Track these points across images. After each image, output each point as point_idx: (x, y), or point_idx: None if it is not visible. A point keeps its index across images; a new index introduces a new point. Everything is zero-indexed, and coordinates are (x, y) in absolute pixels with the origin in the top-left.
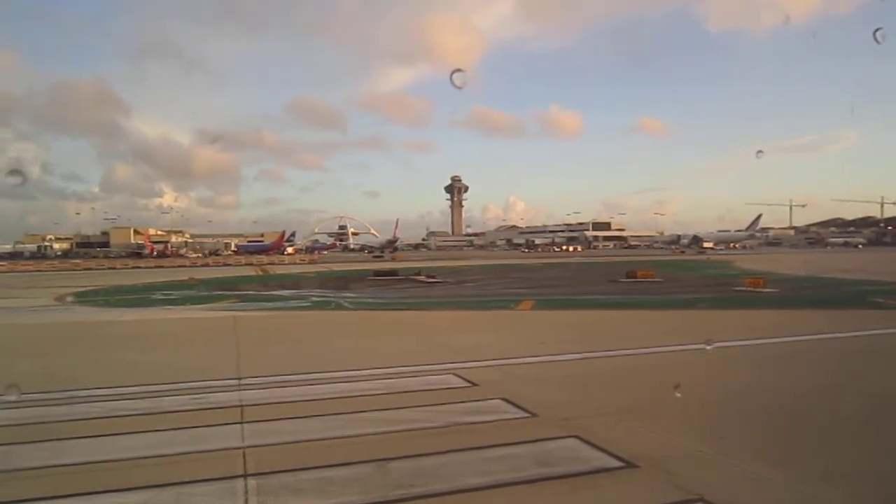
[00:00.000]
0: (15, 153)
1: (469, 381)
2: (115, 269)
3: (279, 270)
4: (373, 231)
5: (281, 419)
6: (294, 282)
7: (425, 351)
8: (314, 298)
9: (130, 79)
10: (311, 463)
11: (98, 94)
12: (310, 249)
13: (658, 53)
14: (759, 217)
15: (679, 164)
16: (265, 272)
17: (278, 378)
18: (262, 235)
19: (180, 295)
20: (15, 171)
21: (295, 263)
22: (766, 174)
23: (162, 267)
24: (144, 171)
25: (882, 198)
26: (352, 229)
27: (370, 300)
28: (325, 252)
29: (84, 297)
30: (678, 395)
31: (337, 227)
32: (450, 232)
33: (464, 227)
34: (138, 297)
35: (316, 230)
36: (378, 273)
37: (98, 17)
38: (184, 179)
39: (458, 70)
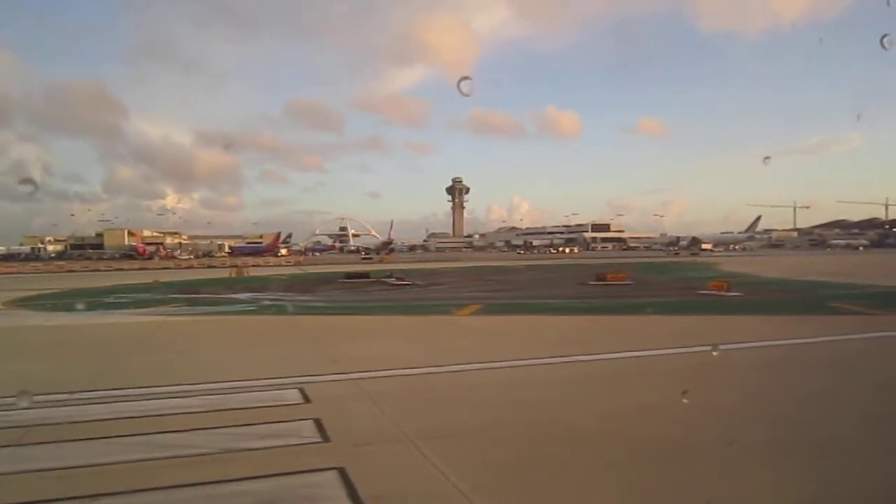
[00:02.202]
0: (17, 154)
1: (306, 398)
2: (98, 271)
3: (258, 272)
4: (374, 232)
5: (54, 442)
6: (261, 284)
7: (305, 361)
8: (264, 302)
9: (131, 81)
10: (28, 496)
11: (99, 95)
12: (310, 251)
13: (658, 54)
14: (758, 219)
15: (683, 165)
16: (240, 274)
17: (97, 394)
18: (260, 237)
19: (132, 299)
20: (27, 180)
21: (280, 265)
22: (771, 176)
23: (146, 269)
24: (146, 173)
25: (887, 199)
26: (353, 231)
27: (318, 304)
28: (318, 254)
29: (31, 301)
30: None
31: (338, 229)
32: (451, 233)
33: (465, 228)
34: (89, 300)
35: (317, 231)
36: (349, 276)
37: (98, 19)
38: (186, 181)
39: (466, 78)
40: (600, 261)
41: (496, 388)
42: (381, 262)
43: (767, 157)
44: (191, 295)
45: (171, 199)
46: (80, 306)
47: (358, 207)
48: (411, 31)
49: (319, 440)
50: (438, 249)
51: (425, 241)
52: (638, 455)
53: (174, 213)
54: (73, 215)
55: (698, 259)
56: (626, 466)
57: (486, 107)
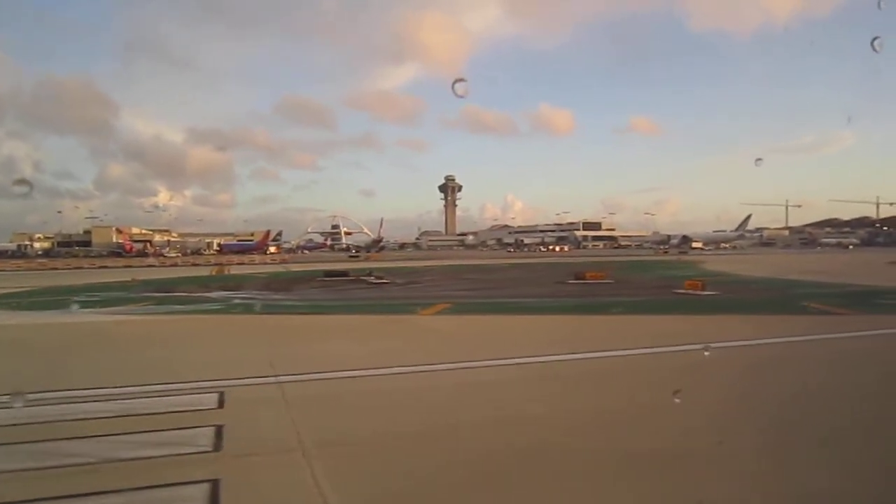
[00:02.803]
0: (7, 151)
1: (221, 403)
2: (81, 268)
3: (240, 270)
4: (366, 230)
5: None
6: (238, 283)
7: (241, 363)
8: (233, 301)
9: (123, 78)
10: None
11: (90, 92)
12: (301, 248)
13: (652, 53)
14: (748, 217)
15: (677, 164)
16: (221, 272)
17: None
18: (251, 234)
19: (102, 297)
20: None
21: (266, 263)
22: (764, 175)
23: (130, 266)
24: (138, 170)
25: (878, 198)
26: (345, 228)
27: (286, 303)
28: (307, 252)
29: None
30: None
31: (330, 227)
32: (444, 231)
33: (458, 226)
34: (59, 299)
35: (309, 229)
36: (328, 274)
37: (89, 16)
38: (178, 178)
39: (461, 80)
40: (588, 259)
41: (430, 392)
42: (367, 260)
43: (759, 159)
44: (164, 293)
45: (163, 197)
46: (42, 305)
47: (352, 205)
48: (405, 28)
49: (210, 450)
50: (430, 247)
51: (417, 239)
52: (527, 466)
53: (163, 210)
54: (59, 212)
55: (684, 258)
56: (536, 481)
57: (479, 105)
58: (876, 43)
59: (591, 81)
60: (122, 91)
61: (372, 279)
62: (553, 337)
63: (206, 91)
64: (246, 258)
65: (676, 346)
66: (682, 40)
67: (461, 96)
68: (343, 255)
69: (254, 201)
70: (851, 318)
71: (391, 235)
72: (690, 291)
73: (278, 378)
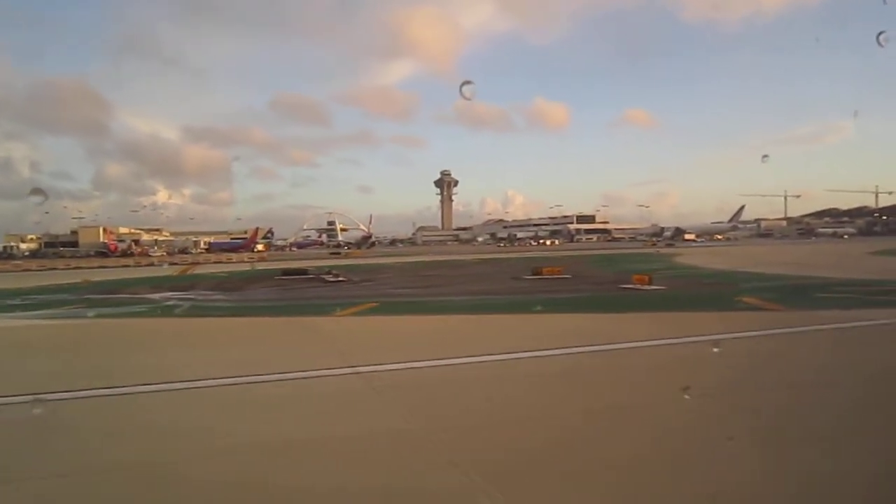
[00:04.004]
0: (3, 152)
1: None
2: (55, 269)
3: (209, 269)
4: (362, 227)
5: None
6: (192, 283)
7: (84, 373)
8: (169, 303)
9: (117, 77)
10: None
11: (86, 92)
12: (294, 245)
13: (646, 45)
14: (742, 208)
15: (677, 156)
16: (184, 273)
17: None
18: (245, 232)
19: (38, 300)
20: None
21: (243, 262)
22: (764, 165)
23: (105, 267)
24: (135, 170)
25: (876, 187)
26: (340, 225)
27: (221, 304)
28: (297, 249)
29: None
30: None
31: (326, 224)
32: (440, 226)
33: (457, 221)
34: None
35: (305, 226)
36: (286, 272)
37: (82, 15)
38: (176, 177)
39: (468, 82)
40: (574, 253)
41: (243, 407)
42: (346, 256)
43: (766, 155)
44: (106, 295)
45: (161, 196)
46: None
47: (351, 202)
48: (399, 24)
49: None
50: (425, 243)
51: (414, 234)
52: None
53: (155, 209)
54: (47, 213)
55: (665, 250)
56: None
57: (474, 99)
58: (881, 38)
59: (586, 75)
60: (117, 91)
61: (329, 278)
62: (434, 340)
63: (202, 89)
64: (224, 256)
65: (552, 349)
66: (677, 32)
67: (468, 98)
68: (335, 251)
69: (253, 199)
70: (777, 314)
71: (390, 231)
72: (635, 286)
73: (94, 392)
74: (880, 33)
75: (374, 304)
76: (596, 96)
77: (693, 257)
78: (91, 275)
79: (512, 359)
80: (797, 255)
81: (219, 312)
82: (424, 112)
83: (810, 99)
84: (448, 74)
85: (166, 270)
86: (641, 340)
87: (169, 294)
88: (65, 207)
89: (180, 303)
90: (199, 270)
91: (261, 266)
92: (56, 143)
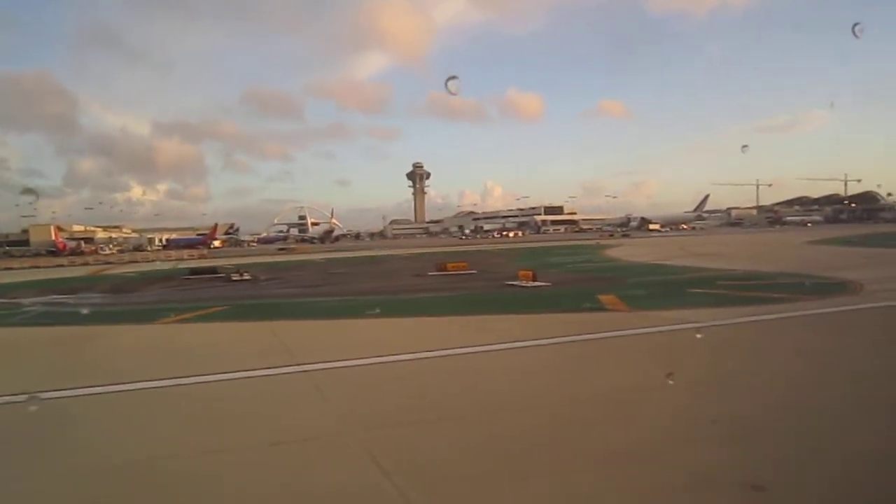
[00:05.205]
0: None
1: None
2: None
3: (130, 269)
4: (334, 220)
5: None
6: (88, 285)
7: None
8: (33, 309)
9: (83, 72)
10: None
11: (52, 87)
12: (263, 241)
13: (619, 37)
14: (706, 197)
15: (654, 147)
16: (99, 273)
17: None
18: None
19: None
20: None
21: (182, 259)
22: (739, 154)
23: (37, 267)
24: (107, 166)
25: (846, 175)
26: (311, 219)
27: (72, 311)
28: (256, 245)
29: None
30: None
31: (297, 218)
32: (413, 219)
33: (430, 213)
34: None
35: (276, 221)
36: (193, 271)
37: (46, 8)
38: (149, 173)
39: (453, 77)
40: (519, 245)
41: None
42: (291, 252)
43: (745, 146)
44: None
45: (135, 192)
46: None
47: (329, 195)
48: (372, 17)
49: None
50: (395, 236)
51: (384, 227)
52: None
53: (130, 206)
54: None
55: (610, 241)
56: None
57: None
58: (856, 29)
59: (560, 66)
60: (86, 86)
61: (236, 277)
62: (230, 350)
63: (173, 84)
64: (163, 254)
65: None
66: (651, 23)
67: (454, 94)
68: (306, 245)
69: (229, 193)
70: (616, 315)
71: (365, 225)
72: (519, 283)
73: None
74: (855, 24)
75: (225, 307)
76: (570, 87)
77: (630, 248)
78: (20, 276)
79: (279, 373)
80: (737, 246)
81: (56, 321)
82: (399, 104)
83: (784, 89)
84: (421, 66)
85: (87, 270)
86: (449, 348)
87: (49, 299)
88: (17, 205)
89: (44, 310)
90: (129, 270)
91: (192, 264)
92: (24, 140)
